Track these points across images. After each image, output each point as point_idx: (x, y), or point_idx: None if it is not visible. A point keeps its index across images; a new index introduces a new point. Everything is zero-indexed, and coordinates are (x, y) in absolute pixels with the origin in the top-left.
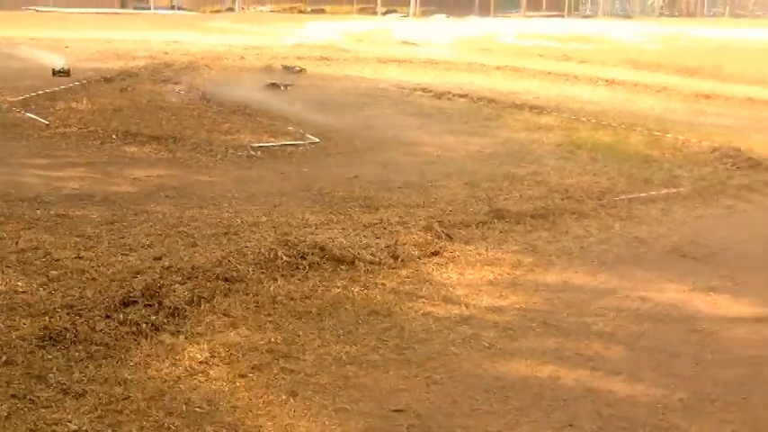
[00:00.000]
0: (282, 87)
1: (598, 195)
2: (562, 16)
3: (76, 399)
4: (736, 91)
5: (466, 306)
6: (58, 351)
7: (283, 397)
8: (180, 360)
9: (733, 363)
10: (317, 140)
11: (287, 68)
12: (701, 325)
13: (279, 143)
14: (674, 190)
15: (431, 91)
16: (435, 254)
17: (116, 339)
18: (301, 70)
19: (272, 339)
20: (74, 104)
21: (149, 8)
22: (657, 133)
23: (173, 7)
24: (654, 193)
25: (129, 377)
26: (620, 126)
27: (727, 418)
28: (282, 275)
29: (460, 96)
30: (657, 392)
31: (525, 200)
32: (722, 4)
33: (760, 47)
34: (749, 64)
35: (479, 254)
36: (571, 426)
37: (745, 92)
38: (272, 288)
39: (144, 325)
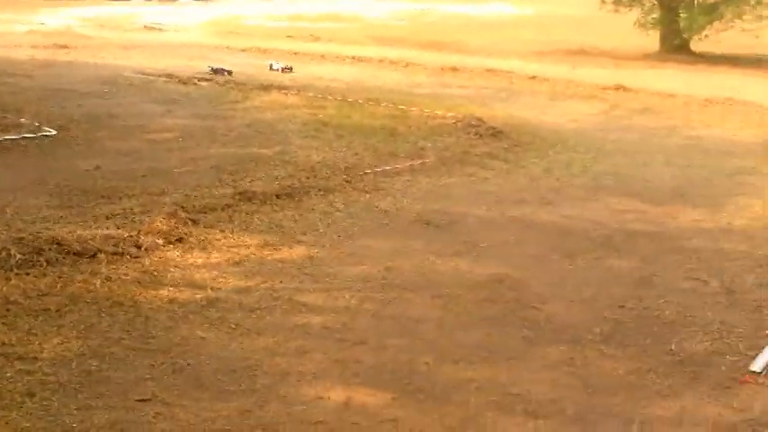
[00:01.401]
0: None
1: (344, 171)
2: None
3: None
4: (478, 63)
5: (212, 289)
6: None
7: (19, 400)
8: None
9: (475, 324)
10: (54, 132)
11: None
12: (444, 290)
13: (11, 137)
14: (419, 161)
15: (176, 77)
16: (180, 240)
17: None
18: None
19: (6, 341)
20: None
21: None
22: (403, 107)
23: None
24: (399, 165)
25: None
26: (366, 102)
27: (470, 376)
28: (17, 274)
29: (206, 80)
30: (403, 358)
31: (271, 180)
32: None
33: (500, 21)
34: (490, 37)
35: (225, 237)
36: (320, 398)
37: (487, 64)
38: (4, 288)
39: None
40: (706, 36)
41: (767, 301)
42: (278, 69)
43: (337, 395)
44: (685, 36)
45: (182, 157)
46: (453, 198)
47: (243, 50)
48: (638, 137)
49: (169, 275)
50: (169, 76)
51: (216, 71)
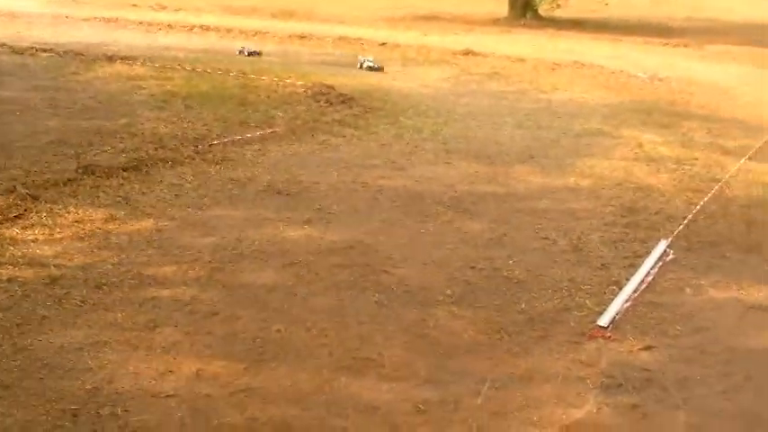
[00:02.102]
0: None
1: (193, 142)
2: None
3: None
4: (328, 31)
5: (56, 267)
6: None
7: None
8: None
9: (327, 290)
10: None
11: None
12: (296, 258)
13: None
14: (270, 130)
15: (10, 47)
16: (19, 217)
17: None
18: None
19: None
20: None
21: None
22: (253, 76)
23: None
24: (249, 135)
25: None
26: (215, 72)
27: (322, 342)
28: None
29: (44, 51)
30: (254, 326)
31: (117, 153)
32: None
33: None
34: (341, 5)
35: (69, 212)
36: (170, 372)
37: (337, 32)
38: None
39: None
40: (556, 4)
41: (613, 258)
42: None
43: (189, 367)
44: (533, 1)
45: (20, 132)
46: (304, 166)
47: (85, 20)
48: (488, 101)
49: (8, 254)
50: (1, 45)
51: (249, 53)
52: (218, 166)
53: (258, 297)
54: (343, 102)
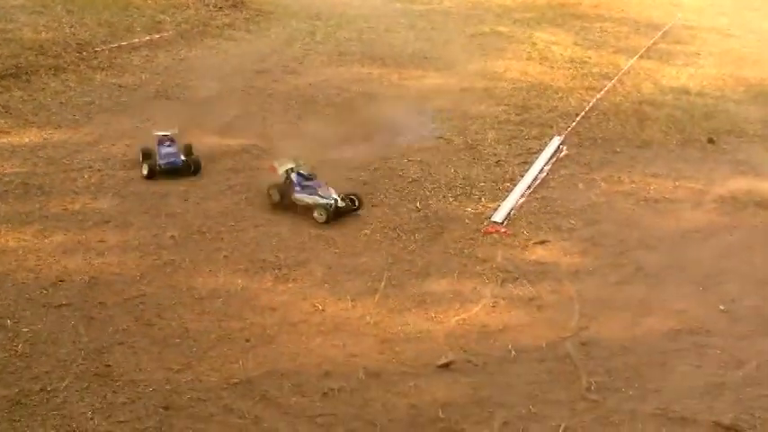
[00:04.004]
0: None
1: (76, 48)
2: None
3: None
4: None
5: None
6: None
7: None
8: None
9: (222, 193)
10: None
11: None
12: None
13: None
14: (158, 35)
15: None
16: None
17: None
18: None
19: None
20: None
21: None
22: None
23: None
24: (137, 40)
25: None
26: None
27: (218, 246)
28: None
29: None
30: (147, 233)
31: None
32: None
33: None
34: None
35: None
36: (62, 281)
37: None
38: None
39: None
40: None
41: (507, 155)
42: None
43: (81, 276)
44: None
45: None
46: (195, 71)
47: None
48: (381, 3)
49: None
50: None
51: None
52: (104, 73)
53: (151, 204)
54: (233, 5)
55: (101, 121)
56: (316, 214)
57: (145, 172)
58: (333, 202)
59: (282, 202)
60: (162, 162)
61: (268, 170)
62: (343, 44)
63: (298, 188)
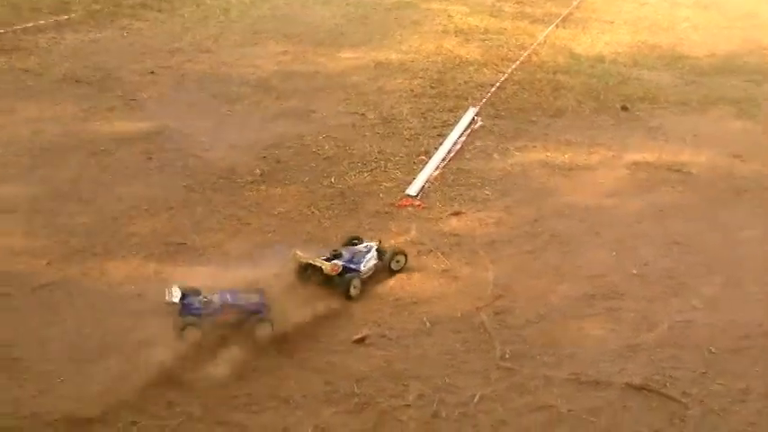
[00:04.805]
0: None
1: None
2: None
3: None
4: None
5: None
6: None
7: None
8: None
9: (134, 178)
10: None
11: None
12: (100, 147)
13: None
14: (66, 17)
15: None
16: None
17: None
18: None
19: None
20: None
21: None
22: None
23: None
24: (43, 21)
25: None
26: None
27: (131, 230)
28: None
29: None
30: (58, 221)
31: None
32: None
33: None
34: None
35: None
36: None
37: None
38: None
39: None
40: None
41: (421, 128)
42: None
43: None
44: None
45: None
46: (105, 53)
47: None
48: None
49: None
50: None
51: None
52: (8, 56)
53: (60, 190)
54: None
55: (5, 107)
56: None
57: None
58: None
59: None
60: None
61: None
62: (258, 22)
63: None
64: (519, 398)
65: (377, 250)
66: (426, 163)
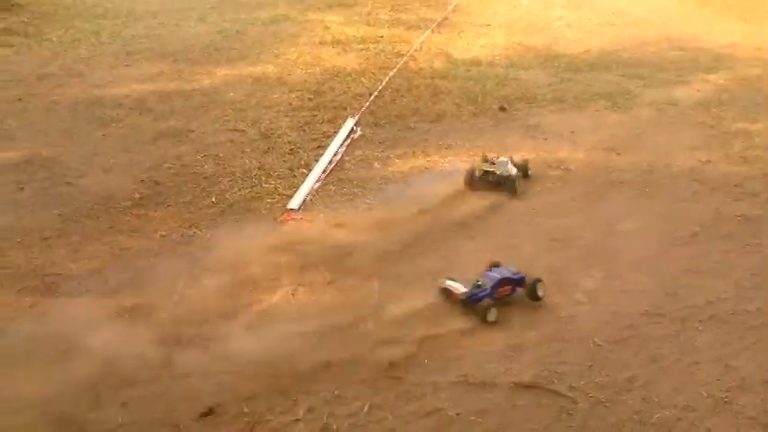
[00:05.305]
0: None
1: None
2: None
3: None
4: None
5: None
6: None
7: None
8: None
9: (4, 210)
10: None
11: None
12: None
13: None
14: None
15: None
16: None
17: None
18: None
19: None
20: None
21: None
22: None
23: None
24: None
25: None
26: None
27: (3, 264)
28: None
29: None
30: None
31: None
32: None
33: None
34: None
35: None
36: None
37: None
38: None
39: None
40: None
41: (301, 141)
42: None
43: None
44: None
45: None
46: None
47: None
48: None
49: None
50: None
51: None
52: None
53: None
54: (7, 9)
55: None
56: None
57: None
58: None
59: None
60: None
61: None
62: (132, 43)
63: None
64: (407, 405)
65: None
66: (307, 176)
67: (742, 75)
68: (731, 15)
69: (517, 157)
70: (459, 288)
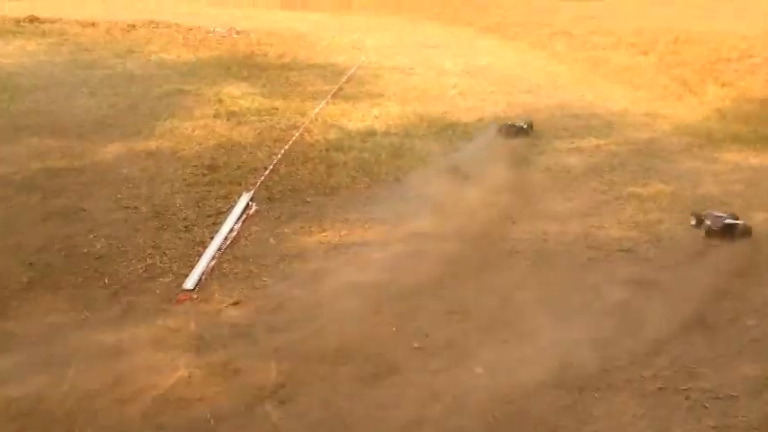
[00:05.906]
0: None
1: None
2: None
3: None
4: None
5: None
6: None
7: None
8: None
9: None
10: None
11: None
12: None
13: None
14: None
15: None
16: None
17: None
18: None
19: None
20: None
21: None
22: None
23: None
24: None
25: None
26: None
27: None
28: None
29: None
30: None
31: None
32: None
33: None
34: None
35: None
36: None
37: None
38: None
39: None
40: None
41: (196, 218)
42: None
43: None
44: None
45: None
46: None
47: None
48: (59, 70)
49: None
50: None
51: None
52: None
53: None
54: None
55: None
56: None
57: None
58: None
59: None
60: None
61: None
62: (19, 118)
63: None
64: None
65: None
66: (202, 255)
67: (632, 140)
68: (620, 82)
69: None
70: None
